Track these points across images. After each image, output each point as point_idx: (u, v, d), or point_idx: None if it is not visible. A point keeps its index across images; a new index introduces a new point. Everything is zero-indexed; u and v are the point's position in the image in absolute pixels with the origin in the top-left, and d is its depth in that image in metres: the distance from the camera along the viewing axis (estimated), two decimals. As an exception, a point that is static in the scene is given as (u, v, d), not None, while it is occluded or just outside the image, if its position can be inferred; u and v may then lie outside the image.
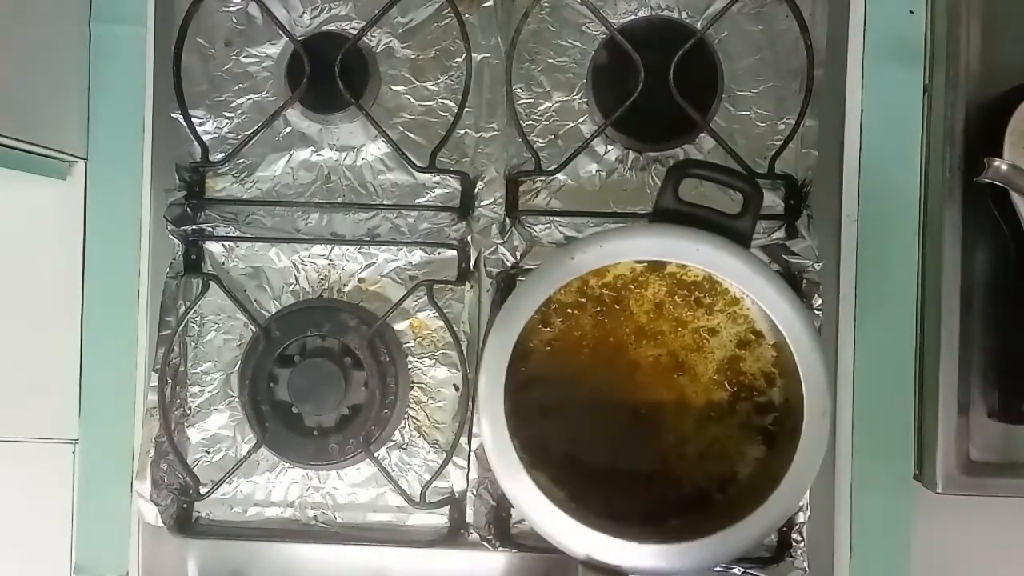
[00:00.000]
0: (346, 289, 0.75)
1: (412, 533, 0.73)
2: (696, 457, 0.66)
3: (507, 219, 0.73)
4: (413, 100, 0.75)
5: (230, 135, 0.76)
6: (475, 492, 0.70)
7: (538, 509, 0.59)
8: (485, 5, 0.74)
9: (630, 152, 0.74)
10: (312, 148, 0.75)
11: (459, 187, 0.74)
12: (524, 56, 0.74)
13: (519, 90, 0.74)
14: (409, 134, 0.75)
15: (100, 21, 0.77)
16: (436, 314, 0.72)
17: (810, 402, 0.59)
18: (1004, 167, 0.64)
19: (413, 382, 0.74)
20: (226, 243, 0.75)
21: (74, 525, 0.76)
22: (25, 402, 0.77)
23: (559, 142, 0.74)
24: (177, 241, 0.73)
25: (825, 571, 0.71)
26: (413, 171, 0.73)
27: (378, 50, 0.76)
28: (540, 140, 0.74)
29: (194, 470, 0.73)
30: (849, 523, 0.71)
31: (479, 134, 0.74)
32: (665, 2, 0.74)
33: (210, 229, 0.75)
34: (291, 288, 0.75)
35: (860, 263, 0.73)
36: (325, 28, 0.76)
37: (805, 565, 0.68)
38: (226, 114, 0.76)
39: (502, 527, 0.71)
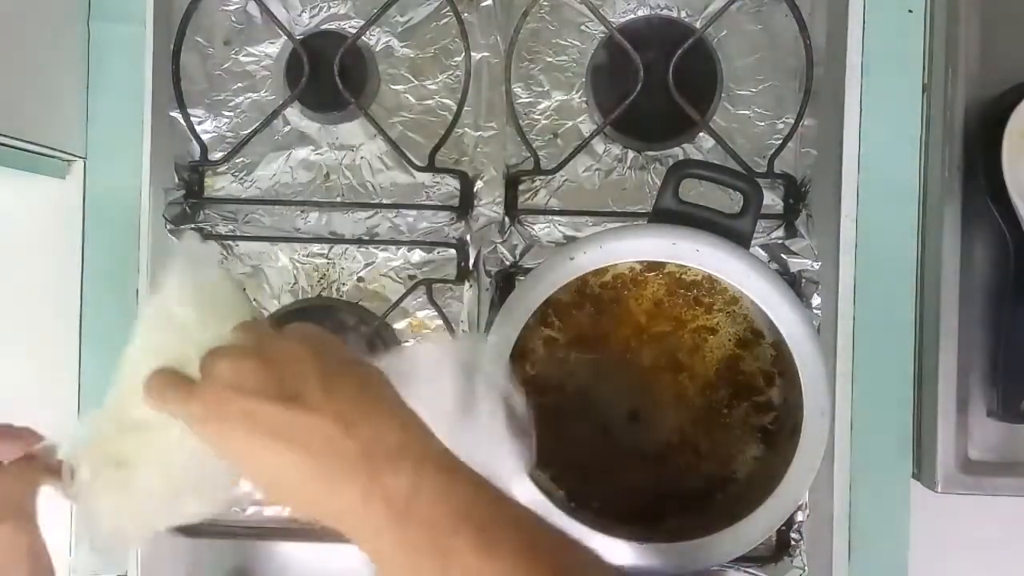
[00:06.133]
0: (345, 288, 0.75)
1: (411, 532, 0.73)
2: (695, 457, 0.66)
3: (506, 218, 0.73)
4: (412, 99, 0.75)
5: (229, 134, 0.76)
6: (474, 491, 0.70)
7: (538, 509, 0.59)
8: (484, 4, 0.74)
9: (629, 151, 0.74)
10: (311, 147, 0.75)
11: (458, 186, 0.73)
12: (523, 55, 0.74)
13: (518, 89, 0.74)
14: (408, 133, 0.75)
15: (99, 19, 0.76)
16: (435, 313, 0.72)
17: (809, 401, 0.60)
18: None
19: (412, 381, 0.74)
20: (225, 242, 0.75)
21: (72, 524, 0.76)
22: (23, 401, 0.77)
23: (558, 141, 0.74)
24: (176, 240, 0.73)
25: (824, 571, 0.71)
26: (412, 170, 0.73)
27: (377, 49, 0.75)
28: (539, 139, 0.74)
29: (193, 469, 0.73)
30: (848, 522, 0.71)
31: (478, 133, 0.74)
32: (664, 1, 0.74)
33: (209, 228, 0.75)
34: (290, 287, 0.75)
35: (859, 262, 0.73)
36: (324, 27, 0.75)
37: (804, 564, 0.69)
38: (225, 113, 0.76)
39: (501, 526, 0.71)
